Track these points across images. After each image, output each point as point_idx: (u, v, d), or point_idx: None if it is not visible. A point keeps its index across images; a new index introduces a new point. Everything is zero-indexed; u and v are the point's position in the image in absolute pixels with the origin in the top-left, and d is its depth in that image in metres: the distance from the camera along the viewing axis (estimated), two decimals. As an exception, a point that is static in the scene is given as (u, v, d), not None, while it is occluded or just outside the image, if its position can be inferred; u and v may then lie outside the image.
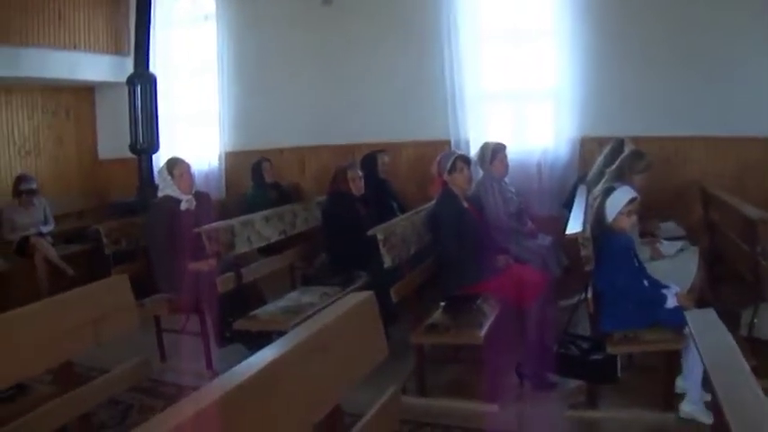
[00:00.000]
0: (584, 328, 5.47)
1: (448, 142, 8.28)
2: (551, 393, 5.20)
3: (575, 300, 6.44)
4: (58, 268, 8.92)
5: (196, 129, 10.11)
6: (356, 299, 3.09)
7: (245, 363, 2.40)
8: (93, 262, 9.65)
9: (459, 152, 6.74)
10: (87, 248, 9.64)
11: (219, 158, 9.82)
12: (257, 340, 5.88)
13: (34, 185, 9.22)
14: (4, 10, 8.98)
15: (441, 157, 6.26)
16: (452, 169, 5.89)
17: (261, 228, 6.56)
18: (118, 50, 10.66)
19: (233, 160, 9.80)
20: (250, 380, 2.19)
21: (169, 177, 6.42)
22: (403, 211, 7.42)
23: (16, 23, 9.18)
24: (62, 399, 3.56)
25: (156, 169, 9.48)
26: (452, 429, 4.78)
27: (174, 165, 6.47)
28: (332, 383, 2.71)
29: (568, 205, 6.75)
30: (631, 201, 4.83)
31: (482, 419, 4.84)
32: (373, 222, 6.31)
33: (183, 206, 6.38)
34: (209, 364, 6.19)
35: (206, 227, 6.11)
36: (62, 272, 8.92)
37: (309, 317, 5.47)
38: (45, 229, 9.22)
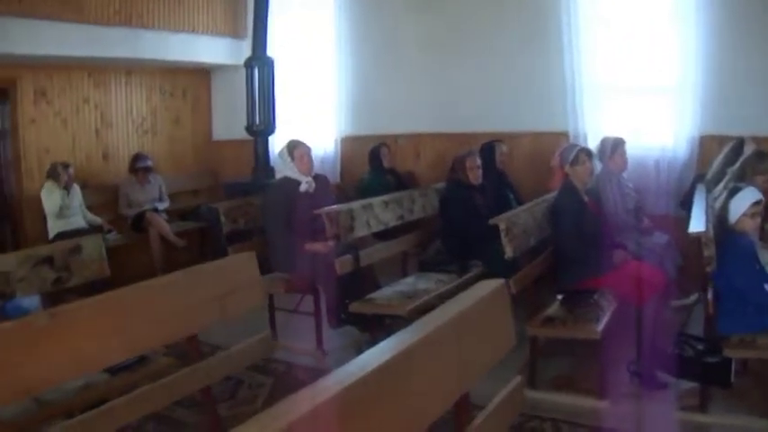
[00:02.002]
0: (697, 329, 5.43)
1: (566, 134, 8.17)
2: (662, 393, 5.11)
3: (689, 300, 6.40)
4: (171, 243, 9.22)
5: (312, 112, 10.15)
6: (488, 287, 3.08)
7: (377, 348, 2.41)
8: (205, 239, 9.95)
9: (582, 145, 6.67)
10: (200, 226, 9.99)
11: (335, 143, 9.87)
12: (369, 323, 6.02)
13: (149, 163, 9.56)
14: (127, -6, 9.25)
15: (563, 149, 6.23)
16: (575, 161, 5.81)
17: (380, 212, 6.63)
18: (235, 33, 10.86)
19: (348, 145, 9.85)
20: (385, 364, 2.20)
21: (289, 159, 6.54)
22: (519, 202, 7.39)
23: (138, 6, 9.44)
24: (188, 370, 3.69)
25: (271, 151, 9.76)
26: (560, 424, 4.74)
27: (295, 147, 6.58)
28: (462, 372, 2.72)
29: (685, 205, 6.69)
30: (756, 203, 4.70)
31: (592, 416, 4.81)
32: (490, 212, 6.37)
33: (303, 188, 6.48)
34: (319, 344, 6.32)
35: (327, 209, 6.18)
36: (175, 247, 9.23)
37: (425, 303, 5.63)
38: (160, 206, 9.56)
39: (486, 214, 6.33)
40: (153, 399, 3.47)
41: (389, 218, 6.76)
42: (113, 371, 3.87)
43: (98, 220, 8.87)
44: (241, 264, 3.93)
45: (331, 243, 6.16)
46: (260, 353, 4.32)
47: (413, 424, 2.32)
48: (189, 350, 3.79)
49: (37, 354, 2.86)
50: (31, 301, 4.88)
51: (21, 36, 8.03)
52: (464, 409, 2.77)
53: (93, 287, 6.26)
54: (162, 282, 3.64)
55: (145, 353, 4.05)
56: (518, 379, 3.20)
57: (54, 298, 5.29)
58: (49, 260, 4.53)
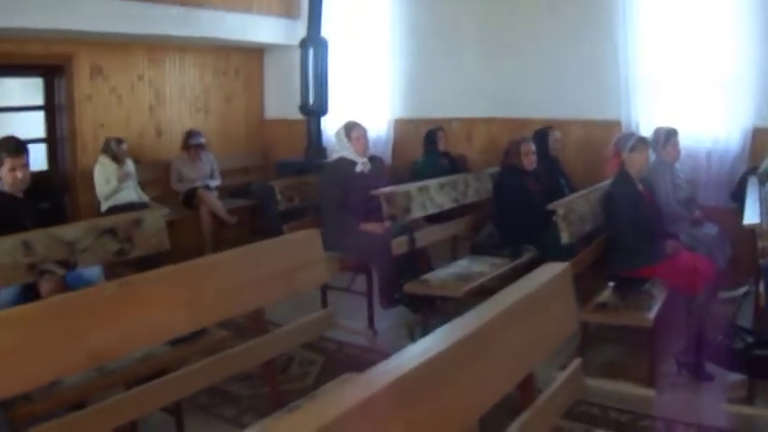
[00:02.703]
0: (746, 321, 5.40)
1: (618, 123, 8.07)
2: (709, 384, 5.08)
3: (738, 291, 6.36)
4: (222, 220, 9.34)
5: (365, 94, 10.14)
6: (553, 270, 3.08)
7: (444, 329, 2.39)
8: (255, 217, 10.04)
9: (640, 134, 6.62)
10: (250, 204, 10.10)
11: (388, 125, 9.86)
12: (421, 305, 6.05)
13: (202, 140, 9.66)
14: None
15: (619, 137, 6.20)
16: (634, 148, 5.77)
17: (435, 195, 6.62)
18: (288, 13, 10.87)
19: (400, 127, 9.86)
20: (455, 345, 2.20)
21: (346, 140, 6.61)
22: (571, 188, 7.36)
23: (195, -17, 9.53)
24: (251, 344, 3.72)
25: (324, 132, 9.81)
26: (608, 410, 4.75)
27: (352, 128, 6.65)
28: (527, 353, 2.74)
29: (736, 197, 6.65)
30: None
31: (640, 404, 4.81)
32: (544, 198, 6.36)
33: (358, 168, 6.56)
34: (370, 324, 6.40)
35: (384, 190, 6.22)
36: (226, 224, 9.35)
37: (480, 285, 5.68)
38: (212, 183, 9.65)
39: (540, 200, 6.36)
40: (213, 372, 3.52)
41: (444, 200, 6.75)
42: (172, 342, 3.92)
43: (145, 197, 8.95)
44: (306, 241, 3.95)
45: (387, 224, 6.20)
46: (320, 330, 4.36)
47: (477, 404, 2.34)
48: (253, 324, 3.83)
49: (105, 323, 2.91)
50: (91, 271, 4.95)
51: (79, 12, 8.11)
52: (528, 389, 2.79)
53: (144, 262, 6.40)
54: (229, 256, 3.67)
55: (210, 325, 4.09)
56: (577, 361, 3.21)
57: (111, 270, 5.38)
58: (112, 231, 4.60)
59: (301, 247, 3.92)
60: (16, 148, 5.20)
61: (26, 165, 5.22)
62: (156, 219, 4.87)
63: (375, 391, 1.85)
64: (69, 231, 4.46)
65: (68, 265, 4.43)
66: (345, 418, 1.73)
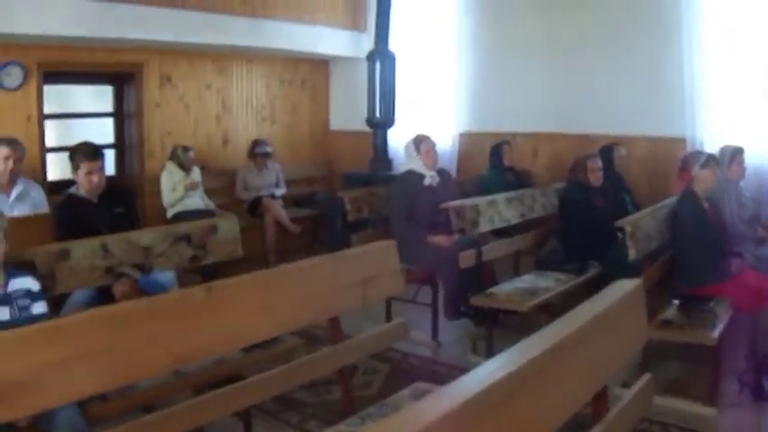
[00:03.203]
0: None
1: (683, 140, 8.00)
2: None
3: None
4: (286, 229, 9.38)
5: (431, 108, 10.15)
6: (625, 287, 3.09)
7: (522, 343, 2.42)
8: (318, 227, 10.11)
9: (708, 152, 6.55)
10: (314, 214, 10.20)
11: (453, 138, 9.87)
12: (485, 318, 6.04)
13: (268, 149, 9.75)
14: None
15: (686, 154, 6.17)
16: (705, 165, 5.74)
17: (503, 209, 6.60)
18: (355, 26, 10.99)
19: (465, 141, 9.87)
20: (533, 361, 2.22)
21: (415, 153, 6.66)
22: (635, 205, 7.31)
23: (262, -3, 9.66)
24: (327, 351, 3.77)
25: (389, 144, 9.85)
26: (669, 427, 4.73)
27: (421, 141, 6.69)
28: (602, 367, 2.77)
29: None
30: None
31: (701, 422, 4.77)
32: (609, 214, 6.34)
33: (427, 181, 6.60)
34: (435, 335, 6.44)
35: (453, 203, 6.22)
36: (289, 233, 9.39)
37: (545, 300, 5.69)
38: (277, 192, 9.73)
39: (605, 216, 6.35)
40: (288, 379, 3.56)
41: (512, 215, 6.74)
42: (245, 348, 3.97)
43: (211, 205, 9.03)
44: (383, 252, 3.99)
45: (455, 236, 6.21)
46: (393, 339, 4.38)
47: (553, 419, 2.35)
48: (329, 333, 3.86)
49: (189, 327, 2.96)
50: (164, 276, 5.02)
51: (149, 22, 8.29)
52: (601, 404, 2.81)
53: (208, 269, 6.48)
54: (308, 264, 3.71)
55: (291, 331, 4.13)
56: (647, 377, 3.21)
57: (180, 276, 5.46)
58: (187, 238, 4.67)
59: (378, 258, 3.96)
60: (92, 152, 5.31)
61: (102, 169, 5.33)
62: (230, 227, 4.93)
63: (455, 406, 1.86)
64: (146, 236, 4.54)
65: (144, 268, 4.51)
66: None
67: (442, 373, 5.69)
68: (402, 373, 5.76)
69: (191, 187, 8.63)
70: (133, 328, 2.81)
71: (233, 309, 3.10)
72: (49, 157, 8.61)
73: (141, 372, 2.94)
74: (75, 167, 5.30)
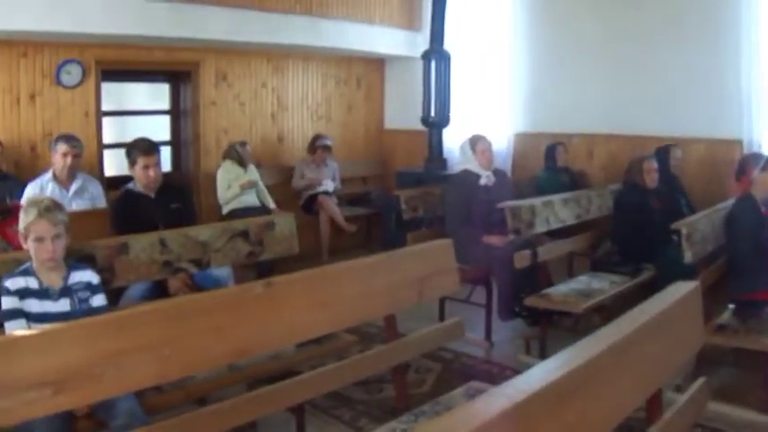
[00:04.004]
0: None
1: (739, 142, 7.89)
2: None
3: None
4: (340, 228, 9.41)
5: (486, 107, 10.10)
6: (682, 289, 3.07)
7: (580, 343, 2.42)
8: (372, 225, 10.12)
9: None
10: (368, 212, 10.23)
11: (508, 138, 9.81)
12: (539, 319, 6.01)
13: (329, 143, 9.82)
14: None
15: (745, 157, 6.07)
16: (766, 168, 5.66)
17: (559, 210, 6.58)
18: (410, 25, 11.01)
19: (521, 141, 9.81)
20: (591, 361, 2.21)
21: (471, 152, 6.64)
22: (690, 208, 7.23)
23: (318, -4, 9.72)
24: (383, 348, 3.78)
25: (444, 144, 9.84)
26: (722, 435, 4.64)
27: (477, 141, 6.68)
28: (657, 370, 2.75)
29: None
30: None
31: (753, 429, 4.70)
32: (664, 217, 6.29)
33: (482, 181, 6.59)
34: (487, 335, 6.41)
35: (509, 203, 6.19)
36: (343, 231, 9.44)
37: (600, 302, 5.66)
38: (332, 190, 9.73)
39: (661, 218, 6.31)
40: (343, 375, 3.58)
41: (567, 216, 6.71)
42: (300, 343, 3.99)
43: (271, 203, 9.08)
44: (439, 251, 4.00)
45: (511, 237, 6.18)
46: (449, 338, 4.39)
47: (607, 420, 2.34)
48: (387, 328, 3.87)
49: (249, 322, 2.98)
50: (220, 271, 5.07)
51: (206, 22, 8.39)
52: (656, 405, 2.81)
53: (263, 266, 6.51)
54: (367, 262, 3.73)
55: (346, 328, 4.15)
56: (701, 381, 3.19)
57: (237, 272, 5.51)
58: (244, 234, 4.70)
59: (435, 257, 3.96)
60: (149, 147, 5.40)
61: (158, 164, 5.40)
62: (287, 223, 4.96)
63: (509, 406, 1.86)
64: (203, 232, 4.58)
65: (201, 264, 4.55)
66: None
67: (495, 373, 5.68)
68: (454, 372, 5.76)
69: (247, 186, 8.68)
70: (193, 321, 2.84)
71: (291, 304, 3.12)
72: (106, 153, 8.75)
73: (199, 364, 2.98)
74: (132, 162, 5.39)
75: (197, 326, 2.83)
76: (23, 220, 3.74)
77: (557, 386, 2.04)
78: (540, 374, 2.10)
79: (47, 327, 3.00)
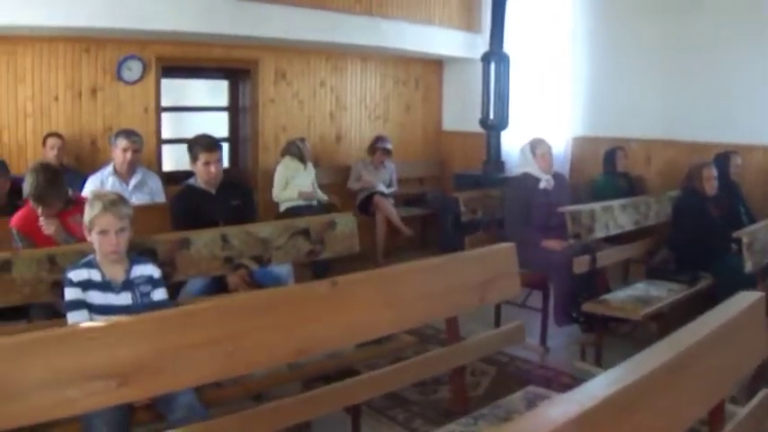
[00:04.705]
0: None
1: (802, 149, 7.76)
2: None
3: None
4: (397, 229, 9.38)
5: (544, 110, 10.03)
6: (747, 299, 3.03)
7: (644, 353, 2.38)
8: (427, 226, 10.11)
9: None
10: (424, 213, 10.22)
11: (566, 142, 9.73)
12: (595, 325, 5.95)
13: (389, 146, 9.79)
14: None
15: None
16: None
17: (618, 215, 6.52)
18: (469, 27, 10.97)
19: (579, 145, 9.71)
20: (654, 372, 2.18)
21: (531, 156, 6.61)
22: (749, 216, 7.14)
23: (378, -5, 9.76)
24: (444, 350, 3.78)
25: (503, 146, 9.80)
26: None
27: (538, 144, 6.65)
28: (720, 380, 2.71)
29: None
30: None
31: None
32: (723, 224, 6.27)
33: (542, 185, 6.55)
34: (543, 340, 6.38)
35: (570, 208, 6.15)
36: (399, 232, 9.41)
37: (658, 309, 5.59)
38: (388, 191, 9.73)
39: (720, 226, 6.26)
40: (402, 376, 3.58)
41: (626, 222, 6.64)
42: (359, 342, 3.98)
43: (324, 197, 9.10)
44: (502, 254, 3.99)
45: (571, 242, 6.14)
46: (510, 342, 4.37)
47: (680, 421, 2.33)
48: (447, 332, 3.86)
49: (312, 320, 2.99)
50: (280, 269, 5.09)
51: (265, 19, 8.46)
52: (718, 418, 2.77)
53: (320, 265, 6.51)
54: (430, 264, 3.73)
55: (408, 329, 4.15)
56: (764, 392, 3.13)
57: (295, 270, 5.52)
58: (305, 232, 4.72)
59: (498, 261, 3.95)
60: (210, 144, 5.44)
61: (219, 161, 5.45)
62: (348, 223, 4.97)
63: (573, 415, 1.84)
64: (265, 229, 4.60)
65: (262, 261, 4.57)
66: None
67: (550, 378, 5.64)
68: (509, 375, 5.73)
69: (305, 197, 8.71)
70: (258, 318, 2.85)
71: (355, 304, 3.12)
72: (164, 148, 8.85)
73: (261, 361, 2.99)
74: (194, 158, 5.43)
75: (261, 323, 2.84)
76: (88, 213, 3.79)
77: (620, 396, 2.02)
78: (604, 384, 2.09)
79: (114, 319, 3.03)
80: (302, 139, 9.04)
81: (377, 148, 9.73)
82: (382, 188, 9.67)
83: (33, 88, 7.81)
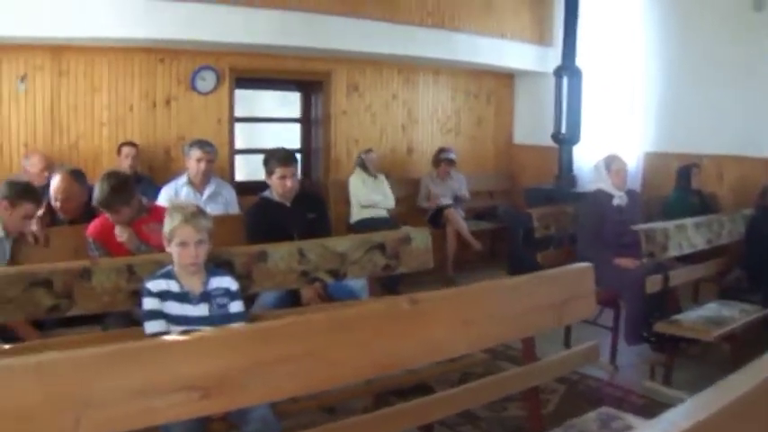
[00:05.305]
0: None
1: None
2: None
3: None
4: (467, 243, 9.35)
5: (615, 125, 9.98)
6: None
7: (723, 383, 2.28)
8: (496, 240, 10.08)
9: None
10: (494, 227, 10.17)
11: (638, 158, 9.62)
12: (666, 345, 5.88)
13: (452, 156, 9.81)
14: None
15: None
16: None
17: (692, 234, 6.42)
18: (541, 40, 10.98)
19: (650, 161, 9.61)
20: (739, 400, 2.12)
21: (605, 172, 6.55)
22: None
23: (450, 9, 9.85)
24: (520, 370, 3.76)
25: (575, 161, 9.74)
26: None
27: (613, 161, 6.58)
28: None
29: None
30: None
31: None
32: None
33: (615, 202, 6.49)
34: (612, 359, 6.31)
35: (644, 226, 6.08)
36: (469, 246, 9.37)
37: (731, 331, 5.53)
38: (459, 203, 9.72)
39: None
40: (478, 395, 3.56)
41: (699, 241, 6.52)
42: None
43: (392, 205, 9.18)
44: (580, 275, 3.95)
45: (644, 260, 6.07)
46: (586, 362, 4.35)
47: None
48: (523, 351, 3.84)
49: (393, 337, 2.98)
50: (355, 283, 5.11)
51: (339, 32, 8.60)
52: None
53: (391, 279, 6.51)
54: (510, 283, 3.72)
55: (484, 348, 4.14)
56: None
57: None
58: (381, 247, 4.72)
59: (576, 280, 3.92)
60: (287, 158, 5.50)
61: (295, 175, 5.49)
62: (423, 238, 4.97)
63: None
64: (341, 243, 4.62)
65: (337, 275, 4.59)
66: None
67: (620, 398, 5.56)
68: (579, 394, 5.69)
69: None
70: (338, 335, 2.86)
71: (434, 323, 3.11)
72: (236, 158, 8.97)
73: (339, 377, 2.99)
74: (270, 172, 5.49)
75: (341, 340, 2.85)
76: (168, 224, 3.84)
77: (706, 427, 1.97)
78: (688, 412, 2.02)
79: (198, 333, 3.07)
80: (367, 151, 9.16)
81: (440, 159, 9.76)
82: (449, 201, 9.65)
83: (109, 97, 8.00)
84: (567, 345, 6.42)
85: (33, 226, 5.21)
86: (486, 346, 3.82)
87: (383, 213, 8.91)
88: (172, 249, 3.83)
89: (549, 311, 3.65)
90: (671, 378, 5.70)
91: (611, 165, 6.56)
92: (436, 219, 9.47)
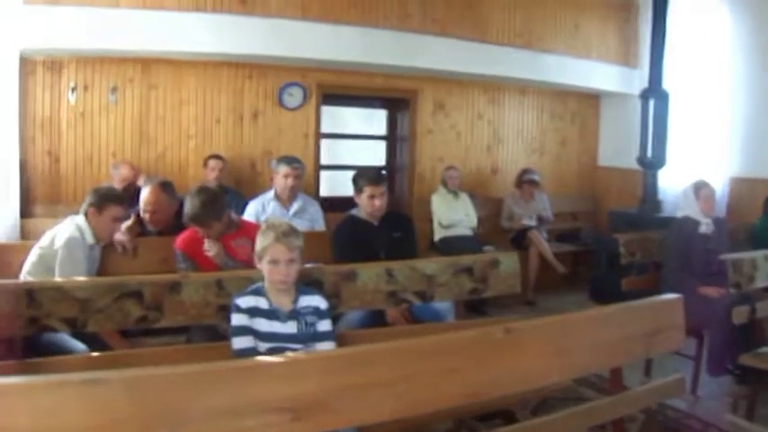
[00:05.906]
0: None
1: None
2: None
3: None
4: (549, 265, 9.29)
5: (701, 148, 9.83)
6: None
7: None
8: (578, 263, 9.99)
9: None
10: (576, 249, 10.09)
11: (724, 183, 9.44)
12: (749, 377, 5.77)
13: (536, 177, 9.77)
14: (527, 19, 9.78)
15: None
16: None
17: (779, 264, 6.32)
18: (626, 62, 10.91)
19: (736, 186, 9.41)
20: None
21: (693, 198, 6.45)
22: None
23: (538, 30, 9.88)
24: (608, 400, 3.74)
25: (660, 185, 9.61)
26: None
27: (702, 187, 6.47)
28: None
29: None
30: None
31: None
32: None
33: (702, 229, 6.39)
34: (694, 389, 6.19)
35: (731, 256, 5.94)
36: (552, 268, 9.30)
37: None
38: (541, 225, 9.67)
39: None
40: (566, 424, 3.54)
41: (788, 272, 6.40)
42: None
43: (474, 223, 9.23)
44: (669, 305, 3.94)
45: (731, 290, 5.97)
46: (672, 394, 4.29)
47: None
48: (611, 382, 3.83)
49: (485, 365, 3.01)
50: (442, 305, 5.12)
51: (425, 50, 8.70)
52: None
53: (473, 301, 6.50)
54: (601, 313, 3.72)
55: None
56: None
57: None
58: (469, 270, 4.71)
59: (665, 312, 3.90)
60: (377, 177, 5.54)
61: (383, 194, 5.52)
62: (511, 263, 4.94)
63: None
64: (429, 266, 4.62)
65: (424, 297, 4.59)
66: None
67: (700, 430, 5.50)
68: (658, 424, 5.58)
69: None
70: (430, 361, 2.88)
71: (526, 351, 3.13)
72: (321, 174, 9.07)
73: (431, 404, 3.01)
74: (359, 191, 5.53)
75: (433, 366, 2.87)
76: (260, 241, 3.90)
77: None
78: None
79: (290, 355, 3.10)
80: (448, 167, 9.26)
81: (523, 180, 9.74)
82: (533, 222, 9.59)
83: (197, 110, 8.18)
84: (648, 373, 6.35)
85: (123, 235, 5.33)
86: (576, 375, 3.83)
87: (467, 232, 8.94)
88: (263, 266, 3.88)
89: (638, 342, 3.64)
90: (754, 412, 5.56)
91: (701, 191, 6.45)
92: (519, 240, 9.44)
